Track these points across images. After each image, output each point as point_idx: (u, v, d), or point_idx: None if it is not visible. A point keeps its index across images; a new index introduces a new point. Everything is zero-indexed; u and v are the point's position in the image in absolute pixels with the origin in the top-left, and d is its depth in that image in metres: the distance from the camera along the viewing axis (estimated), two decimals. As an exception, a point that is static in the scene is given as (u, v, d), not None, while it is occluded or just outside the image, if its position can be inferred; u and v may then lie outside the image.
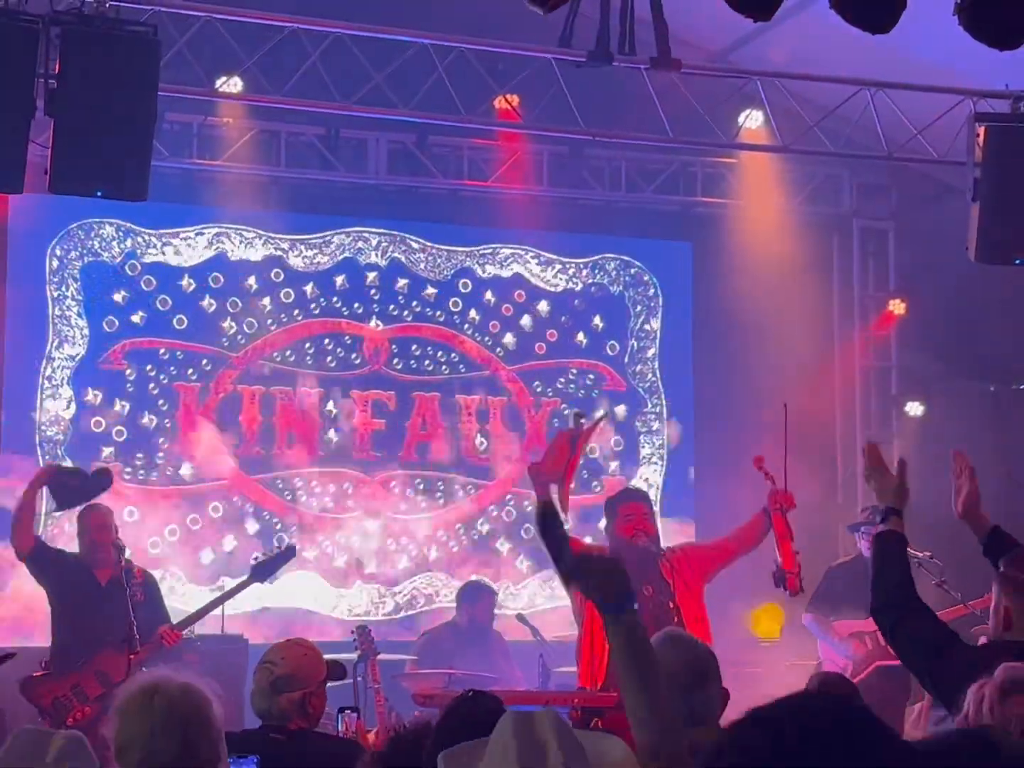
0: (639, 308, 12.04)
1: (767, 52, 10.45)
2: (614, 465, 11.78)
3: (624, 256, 12.03)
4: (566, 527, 3.30)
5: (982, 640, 5.38)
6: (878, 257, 12.50)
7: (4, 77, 7.69)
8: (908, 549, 9.61)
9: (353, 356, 11.31)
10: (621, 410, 11.88)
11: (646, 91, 9.68)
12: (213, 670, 8.12)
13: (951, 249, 9.83)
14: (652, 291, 12.09)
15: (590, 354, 11.84)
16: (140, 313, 10.82)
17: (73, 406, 10.60)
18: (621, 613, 3.00)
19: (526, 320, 11.71)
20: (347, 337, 11.31)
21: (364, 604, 11.08)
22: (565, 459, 7.28)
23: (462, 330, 11.57)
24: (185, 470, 10.80)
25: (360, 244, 11.41)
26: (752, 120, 10.68)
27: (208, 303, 10.98)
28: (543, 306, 11.77)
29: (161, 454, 10.76)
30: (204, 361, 10.93)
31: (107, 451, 10.61)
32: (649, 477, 11.83)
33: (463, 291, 11.60)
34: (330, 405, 11.18)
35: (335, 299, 11.30)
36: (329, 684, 5.15)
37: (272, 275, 11.16)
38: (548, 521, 3.22)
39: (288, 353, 11.14)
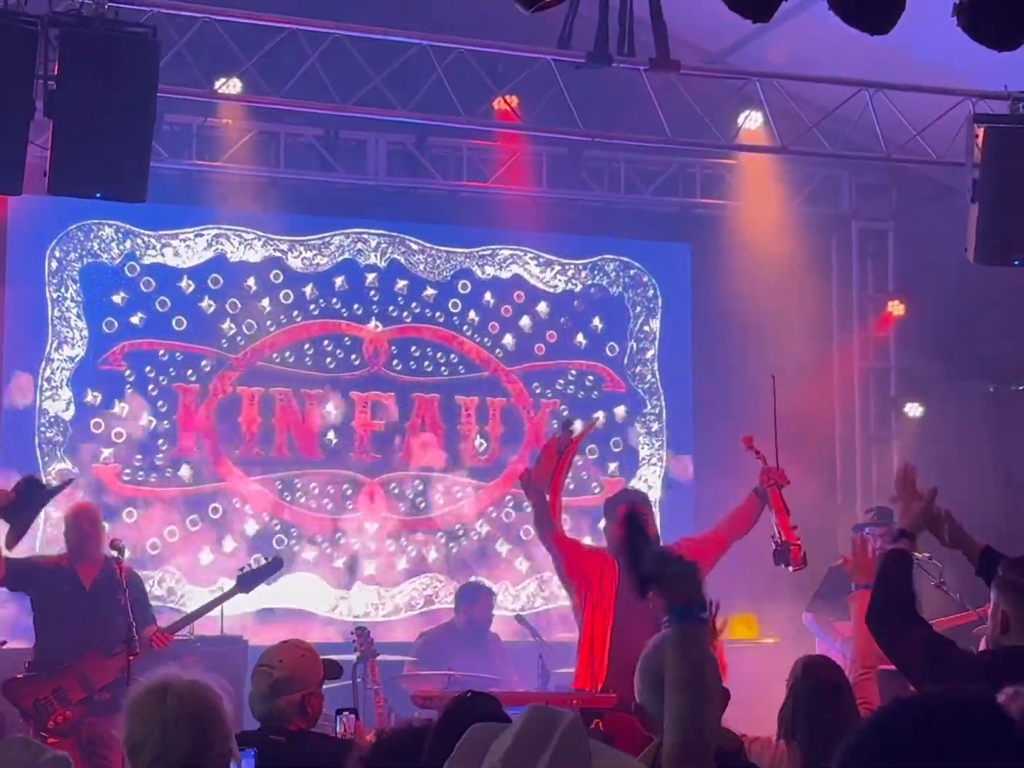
0: (638, 309, 12.04)
1: (766, 53, 10.46)
2: (613, 466, 11.78)
3: (623, 257, 12.03)
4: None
5: (982, 643, 5.38)
6: (877, 258, 12.51)
7: (3, 78, 7.69)
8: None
9: (352, 357, 11.31)
10: (621, 411, 11.89)
11: (645, 92, 9.68)
12: (212, 671, 8.13)
13: (950, 250, 9.83)
14: (651, 292, 12.09)
15: (589, 355, 11.84)
16: (139, 314, 10.82)
17: (72, 407, 10.60)
18: (690, 621, 2.99)
19: (525, 321, 11.72)
20: (346, 338, 11.31)
21: (363, 605, 11.08)
22: (553, 466, 7.31)
23: (461, 331, 11.58)
24: (184, 471, 10.80)
25: (359, 245, 11.42)
26: (751, 121, 10.68)
27: (207, 304, 10.98)
28: (542, 307, 11.77)
29: (160, 455, 10.76)
30: (203, 362, 10.93)
31: (106, 452, 10.61)
32: (648, 478, 11.83)
33: (463, 292, 11.61)
34: (329, 406, 11.18)
35: (334, 300, 11.31)
36: (328, 684, 5.15)
37: (271, 276, 11.16)
38: (634, 526, 3.20)
39: (287, 354, 11.14)
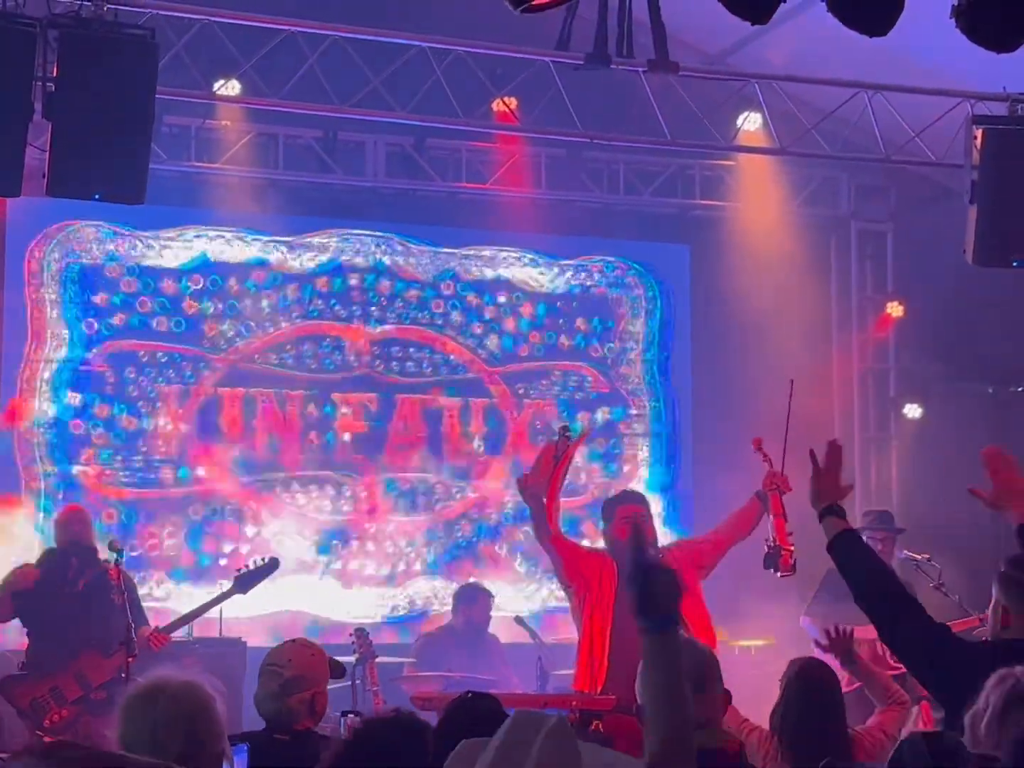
0: (637, 310, 12.04)
1: (765, 55, 10.46)
2: (610, 467, 11.77)
3: (622, 258, 12.03)
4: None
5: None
6: (876, 259, 12.51)
7: (2, 80, 7.69)
8: (907, 552, 9.62)
9: (336, 358, 11.27)
10: (616, 413, 11.88)
11: (644, 94, 9.68)
12: (207, 673, 8.12)
13: (949, 251, 9.83)
14: (650, 293, 12.09)
15: (576, 356, 11.82)
16: (121, 315, 10.78)
17: (54, 409, 10.55)
18: (659, 632, 2.99)
19: (520, 322, 11.70)
20: (329, 339, 11.27)
21: (362, 607, 11.07)
22: (549, 471, 7.32)
23: (445, 332, 11.53)
24: (166, 473, 10.76)
25: (353, 246, 11.38)
26: (750, 122, 10.68)
27: (189, 305, 10.94)
28: (533, 308, 11.75)
29: (138, 458, 10.71)
30: (185, 363, 10.89)
31: (87, 453, 10.58)
32: (646, 479, 11.82)
33: (461, 293, 11.59)
34: (312, 408, 11.14)
35: (318, 301, 11.26)
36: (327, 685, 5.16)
37: (255, 278, 11.12)
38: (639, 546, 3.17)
39: (270, 355, 11.10)
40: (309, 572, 10.93)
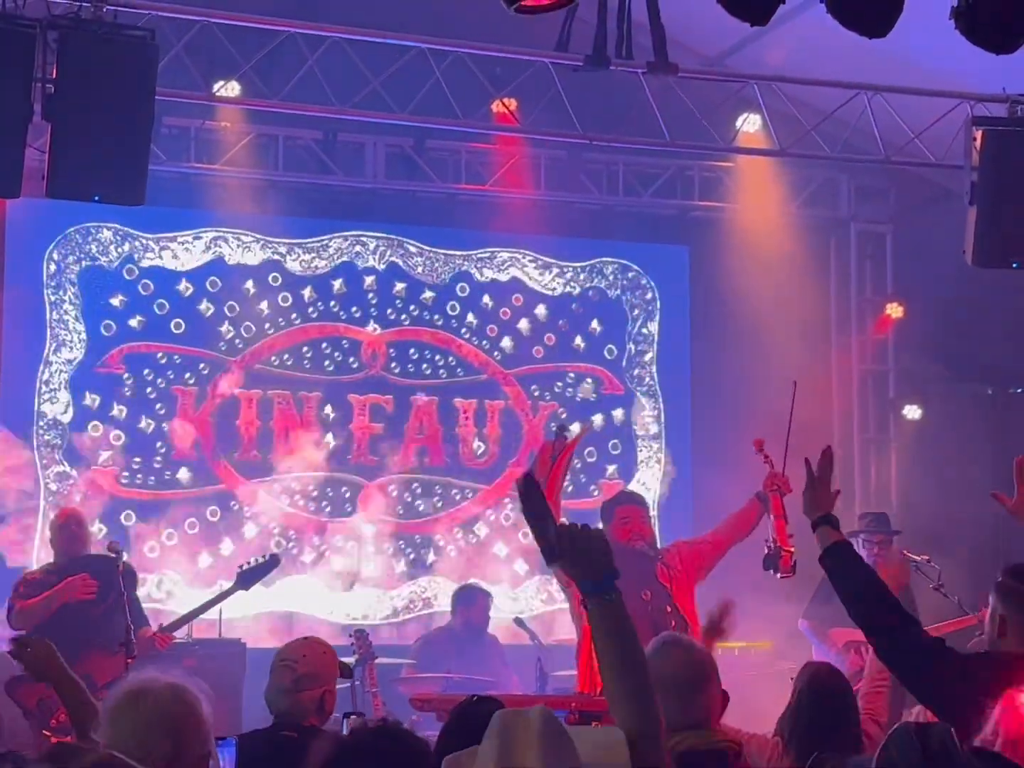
0: (637, 312, 12.04)
1: (764, 56, 10.46)
2: (611, 469, 11.78)
3: (622, 260, 12.03)
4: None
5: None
6: (876, 260, 12.51)
7: (1, 82, 7.69)
8: (906, 553, 9.61)
9: (351, 360, 11.31)
10: (619, 413, 11.89)
11: (643, 95, 9.69)
12: (211, 674, 8.10)
13: (949, 252, 9.83)
14: (650, 295, 12.09)
15: (588, 358, 11.84)
16: (138, 317, 10.82)
17: (71, 410, 10.59)
18: (604, 593, 2.92)
19: (524, 324, 11.72)
20: (345, 341, 11.31)
21: (362, 608, 11.08)
22: (547, 471, 7.31)
23: (460, 334, 11.57)
24: (182, 474, 10.79)
25: (358, 248, 11.42)
26: (749, 124, 10.67)
27: (206, 307, 10.98)
28: (541, 310, 11.77)
29: (159, 458, 10.75)
30: (202, 365, 10.93)
31: (104, 455, 10.61)
32: (647, 481, 11.83)
33: (461, 295, 11.61)
34: (328, 409, 11.18)
35: (333, 303, 11.30)
36: (332, 684, 5.19)
37: (270, 279, 11.16)
38: (530, 495, 3.03)
39: (286, 357, 11.14)
40: (313, 572, 10.93)
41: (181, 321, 10.90)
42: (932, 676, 4.37)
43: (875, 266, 12.50)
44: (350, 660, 8.30)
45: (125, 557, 8.33)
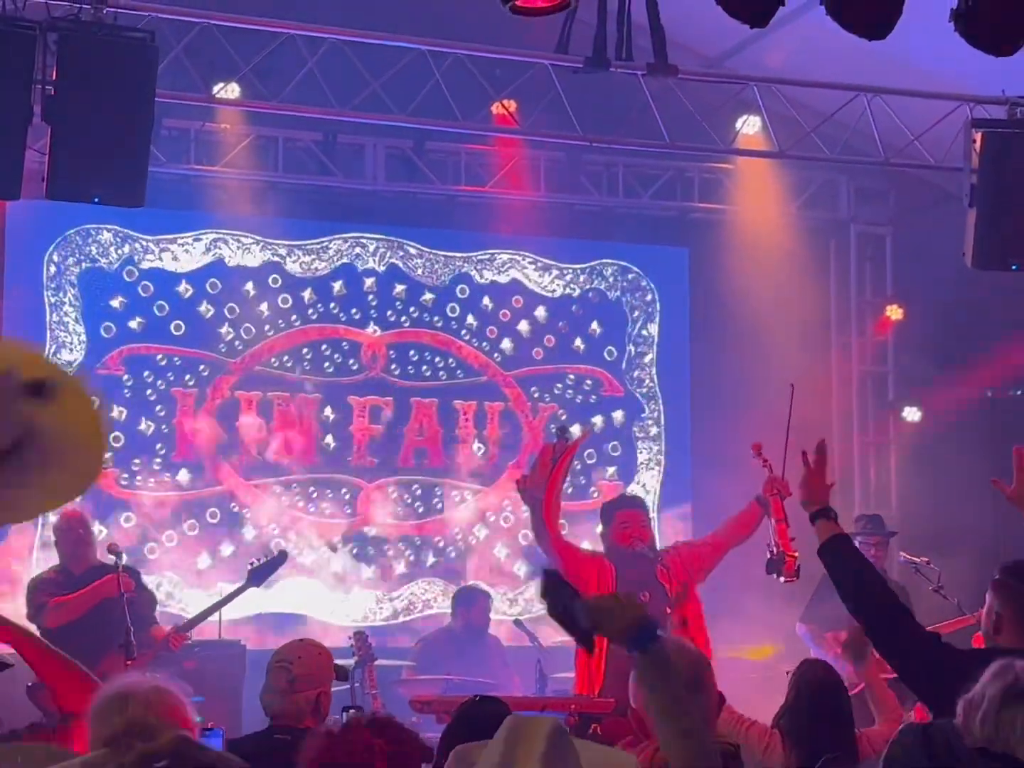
0: (636, 314, 12.05)
1: (764, 58, 10.47)
2: (611, 470, 11.78)
3: (621, 262, 12.03)
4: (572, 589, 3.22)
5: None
6: (875, 262, 12.51)
7: (1, 83, 7.70)
8: (906, 555, 9.61)
9: (351, 362, 11.31)
10: (619, 415, 11.89)
11: (643, 97, 9.70)
12: (211, 675, 8.13)
13: (948, 254, 9.84)
14: (649, 296, 12.10)
15: (588, 359, 11.84)
16: (138, 319, 10.82)
17: (71, 412, 10.57)
18: (644, 645, 3.00)
19: (524, 326, 11.72)
20: (345, 343, 11.31)
21: (362, 610, 11.08)
22: (548, 473, 7.32)
23: (460, 336, 11.57)
24: (182, 476, 10.79)
25: (358, 250, 11.42)
26: (749, 126, 10.68)
27: (206, 309, 10.98)
28: (540, 312, 11.77)
29: (158, 460, 10.76)
30: (202, 367, 10.93)
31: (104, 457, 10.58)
32: (647, 483, 11.84)
33: (461, 297, 11.61)
34: (328, 411, 11.18)
35: (333, 305, 11.31)
36: (329, 687, 5.19)
37: (270, 281, 11.16)
38: (554, 590, 3.19)
39: (286, 359, 11.14)
40: (313, 574, 10.93)
41: (181, 323, 10.90)
42: (929, 669, 4.40)
43: (875, 268, 12.50)
44: (350, 662, 8.31)
45: (124, 559, 8.34)
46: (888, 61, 8.95)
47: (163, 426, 10.78)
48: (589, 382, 11.84)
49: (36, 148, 8.15)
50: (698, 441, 11.81)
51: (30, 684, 8.07)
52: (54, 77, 7.85)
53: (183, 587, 10.60)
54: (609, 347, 11.94)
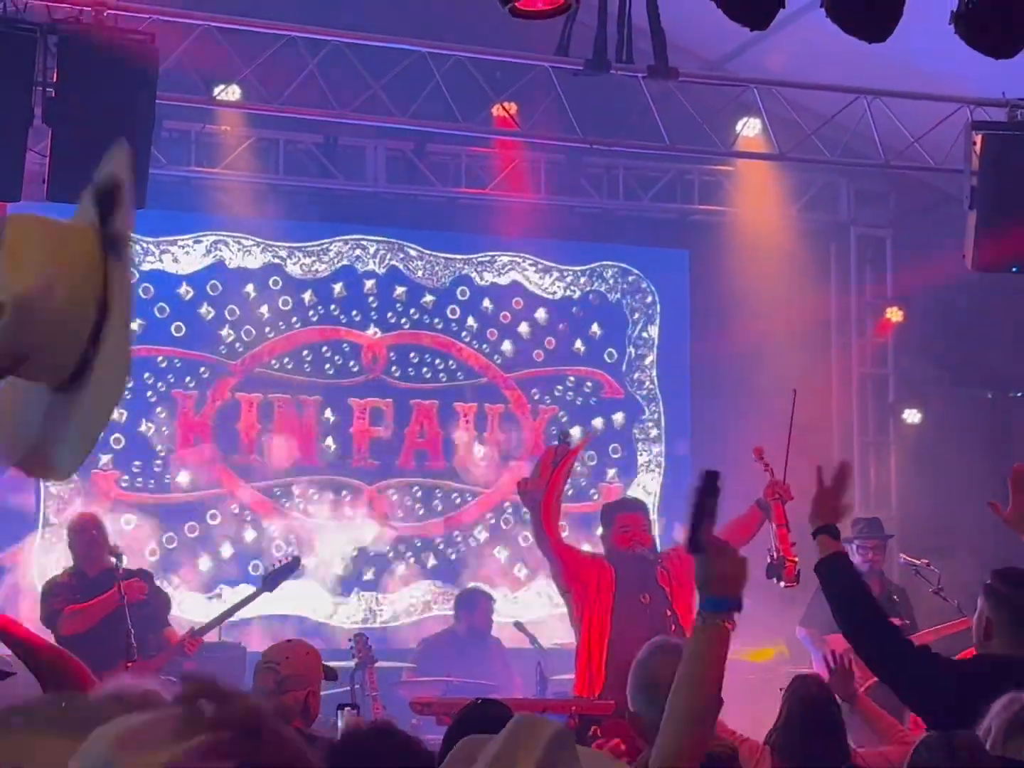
0: (637, 316, 12.05)
1: (764, 60, 10.47)
2: (611, 472, 11.78)
3: (622, 264, 12.03)
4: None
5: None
6: (876, 264, 12.51)
7: (2, 85, 7.71)
8: (906, 557, 9.60)
9: (351, 364, 11.32)
10: (619, 417, 11.89)
11: (643, 99, 9.70)
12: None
13: (948, 257, 9.84)
14: (650, 299, 12.10)
15: (588, 361, 11.85)
16: (138, 321, 10.81)
17: (71, 414, 10.57)
18: (722, 614, 2.89)
19: (524, 327, 11.72)
20: (345, 345, 11.32)
21: (362, 612, 11.08)
22: (548, 476, 7.32)
23: (460, 338, 11.58)
24: (183, 478, 10.80)
25: (358, 252, 11.43)
26: (749, 128, 10.69)
27: (206, 311, 10.98)
28: (541, 313, 11.78)
29: (159, 462, 10.76)
30: (202, 369, 10.93)
31: (105, 459, 10.60)
32: (647, 485, 11.84)
33: (461, 299, 11.61)
34: (328, 413, 11.18)
35: (333, 307, 11.31)
36: (326, 691, 5.19)
37: (270, 283, 11.16)
38: (711, 487, 2.96)
39: (286, 361, 11.15)
40: (313, 576, 10.93)
41: (181, 324, 10.90)
42: (921, 684, 4.42)
43: (875, 270, 12.51)
44: (350, 664, 8.32)
45: (125, 562, 8.34)
46: (888, 63, 8.96)
47: (163, 428, 10.78)
48: (589, 384, 11.85)
49: (37, 150, 8.15)
50: (698, 443, 11.81)
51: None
52: (55, 79, 7.85)
53: (183, 589, 10.60)
54: (609, 349, 11.94)
